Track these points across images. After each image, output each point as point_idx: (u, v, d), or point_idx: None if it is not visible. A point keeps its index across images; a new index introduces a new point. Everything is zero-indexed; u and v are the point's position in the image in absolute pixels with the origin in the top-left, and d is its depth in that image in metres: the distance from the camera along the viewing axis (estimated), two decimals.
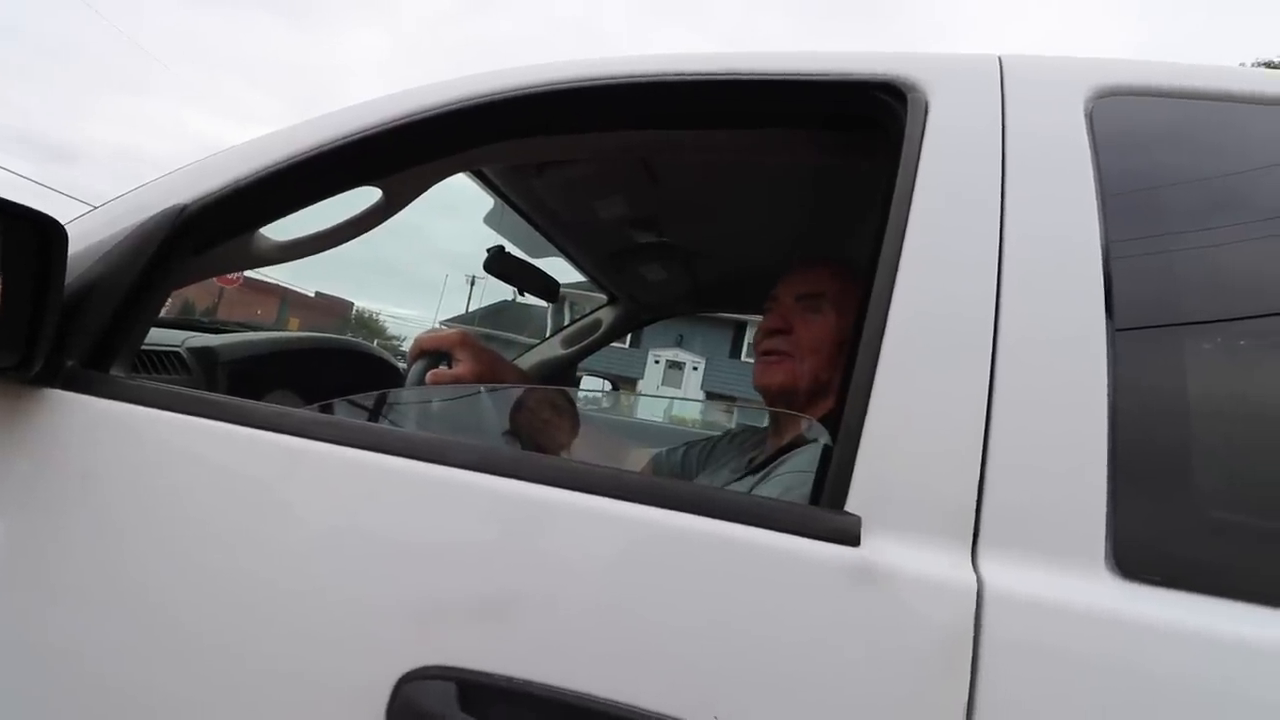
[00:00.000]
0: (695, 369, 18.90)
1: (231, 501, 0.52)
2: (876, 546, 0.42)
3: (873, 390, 0.46)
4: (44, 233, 0.55)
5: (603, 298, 1.79)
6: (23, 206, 0.54)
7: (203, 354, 0.97)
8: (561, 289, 1.65)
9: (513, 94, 0.63)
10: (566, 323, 1.87)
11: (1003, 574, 0.41)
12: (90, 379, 0.57)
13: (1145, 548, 0.42)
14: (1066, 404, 0.44)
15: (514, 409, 0.82)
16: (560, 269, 1.59)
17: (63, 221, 0.57)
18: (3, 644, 0.52)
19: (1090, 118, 0.53)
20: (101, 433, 0.55)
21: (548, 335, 1.86)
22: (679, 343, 18.81)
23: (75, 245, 0.57)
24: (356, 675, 0.46)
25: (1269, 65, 12.05)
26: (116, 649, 0.50)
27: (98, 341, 0.58)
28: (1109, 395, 0.44)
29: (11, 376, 0.55)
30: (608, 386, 2.36)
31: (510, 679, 0.43)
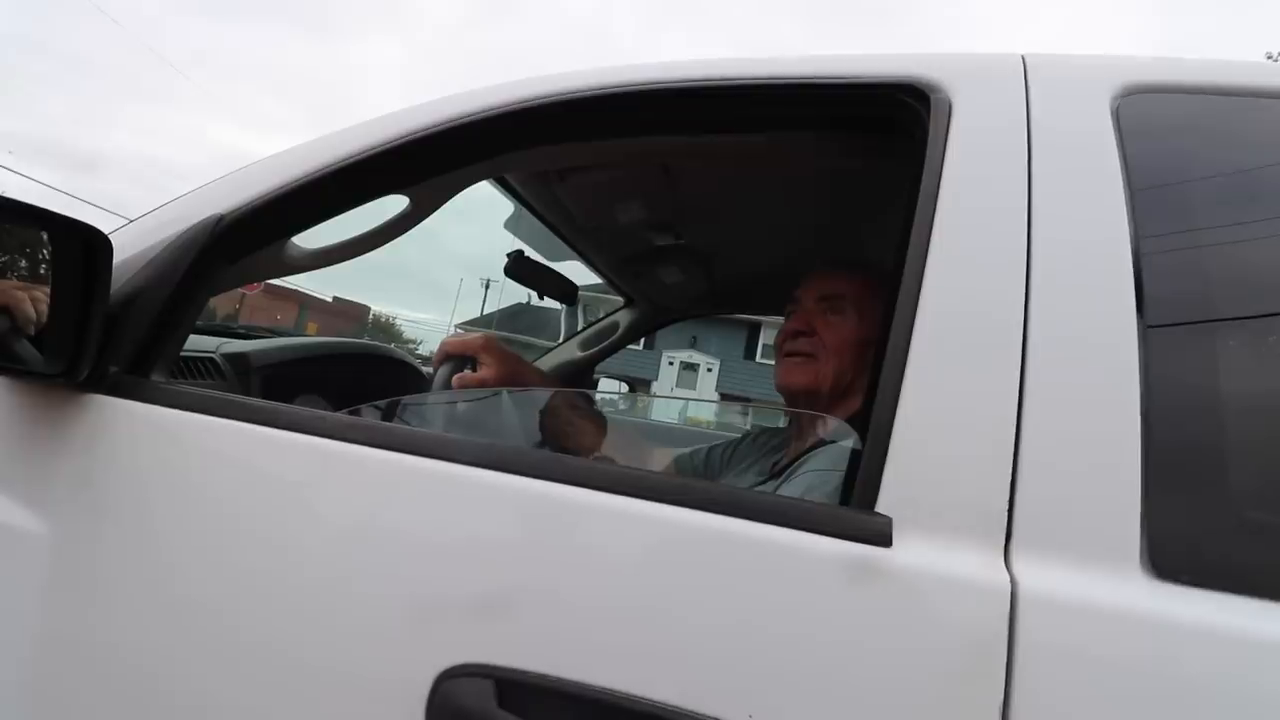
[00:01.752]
0: (710, 370, 18.84)
1: (270, 503, 0.53)
2: (908, 547, 0.43)
3: (902, 391, 0.46)
4: (90, 244, 0.57)
5: (618, 300, 1.80)
6: (70, 219, 0.56)
7: (236, 359, 0.99)
8: (579, 291, 1.67)
9: (538, 102, 0.64)
10: (582, 325, 1.88)
11: (1036, 575, 0.41)
12: (133, 384, 0.59)
13: (1180, 548, 0.41)
14: (1098, 403, 0.44)
15: (543, 415, 0.83)
16: (576, 271, 1.60)
17: (104, 231, 0.59)
18: (48, 642, 0.54)
19: (1116, 115, 0.53)
20: (145, 436, 0.57)
21: (565, 338, 1.87)
22: (693, 344, 18.76)
23: (117, 255, 0.59)
24: (396, 673, 0.47)
25: None
26: (159, 649, 0.52)
27: (140, 348, 0.60)
28: (1141, 393, 0.44)
29: (59, 382, 0.57)
30: (625, 388, 2.37)
31: (546, 676, 0.44)
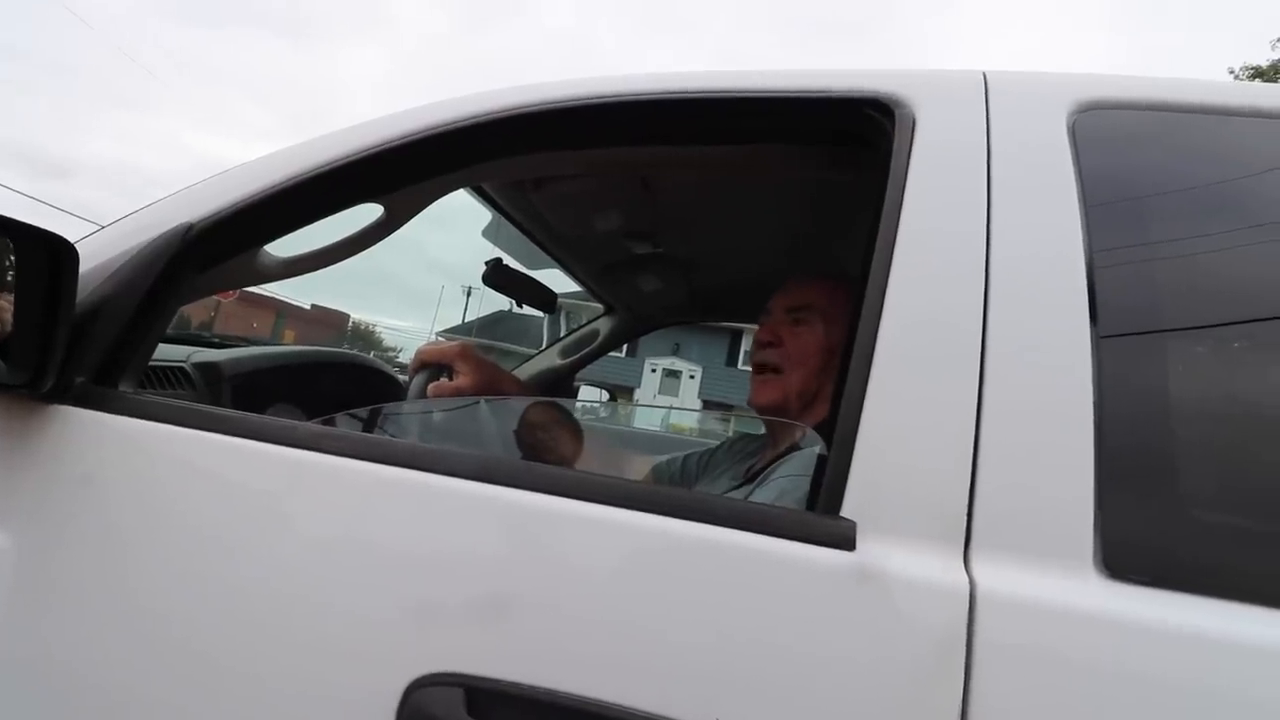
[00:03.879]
0: (692, 377, 18.90)
1: (239, 514, 0.52)
2: (871, 551, 0.44)
3: (866, 398, 0.48)
4: (55, 252, 0.56)
5: (599, 307, 1.80)
6: (35, 227, 0.56)
7: (207, 369, 0.98)
8: (558, 299, 1.67)
9: (514, 112, 0.65)
10: (564, 333, 1.89)
11: (994, 576, 0.42)
12: (100, 395, 0.58)
13: (1132, 548, 0.43)
14: (1053, 409, 0.46)
15: (519, 427, 0.83)
16: (557, 279, 1.60)
17: (70, 239, 0.58)
18: (11, 658, 0.53)
19: (1073, 131, 0.55)
20: (111, 448, 0.56)
21: (545, 346, 1.87)
22: (675, 351, 18.81)
23: (85, 264, 0.58)
24: (366, 683, 0.46)
25: (1257, 71, 12.18)
26: (125, 663, 0.51)
27: (107, 358, 0.59)
28: (1094, 400, 0.45)
29: (23, 393, 0.56)
30: (605, 396, 2.37)
31: (518, 684, 0.44)
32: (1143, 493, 0.45)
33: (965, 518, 0.44)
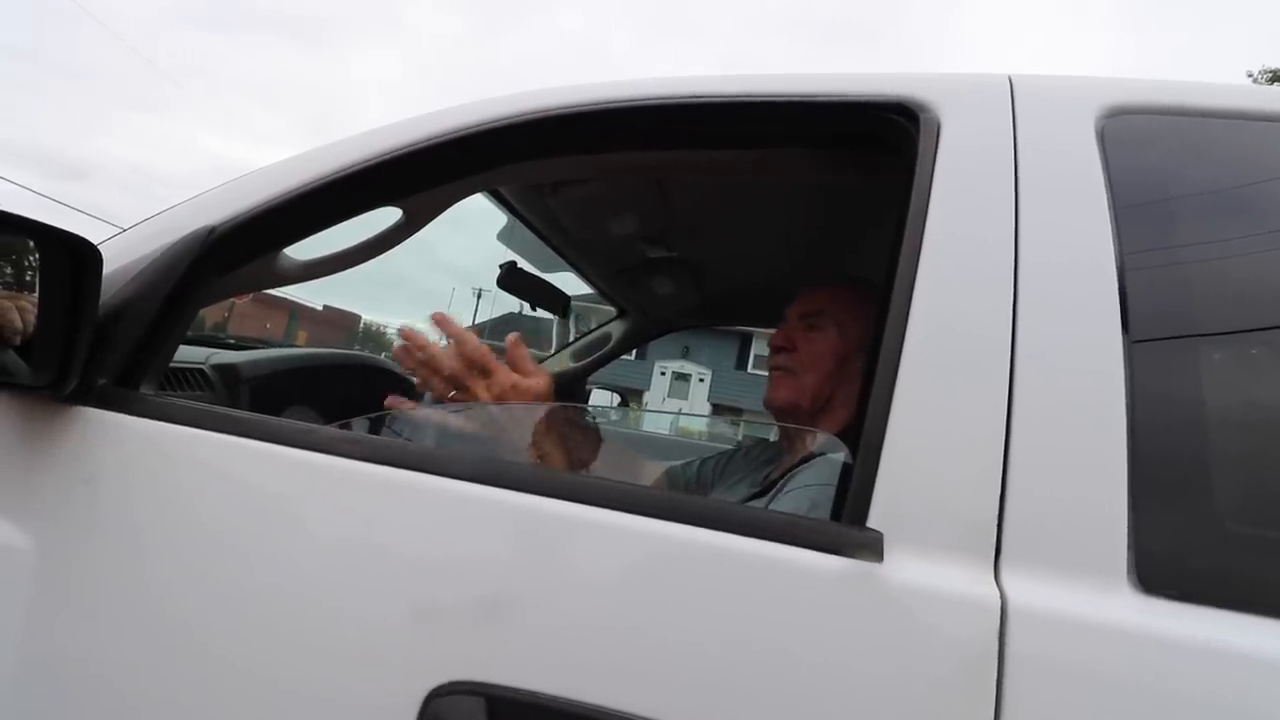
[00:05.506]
0: (701, 381, 18.86)
1: (256, 517, 0.52)
2: (899, 562, 0.43)
3: (892, 406, 0.47)
4: (79, 254, 0.56)
5: (611, 310, 1.80)
6: (59, 229, 0.56)
7: (226, 371, 0.99)
8: (571, 302, 1.67)
9: (534, 116, 0.65)
10: (575, 336, 1.89)
11: (1025, 589, 0.41)
12: (121, 397, 0.58)
13: (1167, 562, 0.42)
14: (1085, 418, 0.45)
15: (535, 430, 0.83)
16: (569, 282, 1.60)
17: (93, 241, 0.58)
18: (32, 660, 0.53)
19: (1101, 135, 0.54)
20: (132, 449, 0.56)
21: (557, 349, 1.87)
22: (685, 354, 18.78)
23: (108, 266, 0.58)
24: (385, 691, 0.46)
25: (1276, 75, 12.03)
26: (142, 665, 0.51)
27: (129, 360, 0.59)
28: (1127, 408, 0.44)
29: (46, 394, 0.57)
30: (617, 400, 2.37)
31: (537, 694, 0.44)
32: (1178, 504, 0.44)
33: (995, 529, 0.43)
